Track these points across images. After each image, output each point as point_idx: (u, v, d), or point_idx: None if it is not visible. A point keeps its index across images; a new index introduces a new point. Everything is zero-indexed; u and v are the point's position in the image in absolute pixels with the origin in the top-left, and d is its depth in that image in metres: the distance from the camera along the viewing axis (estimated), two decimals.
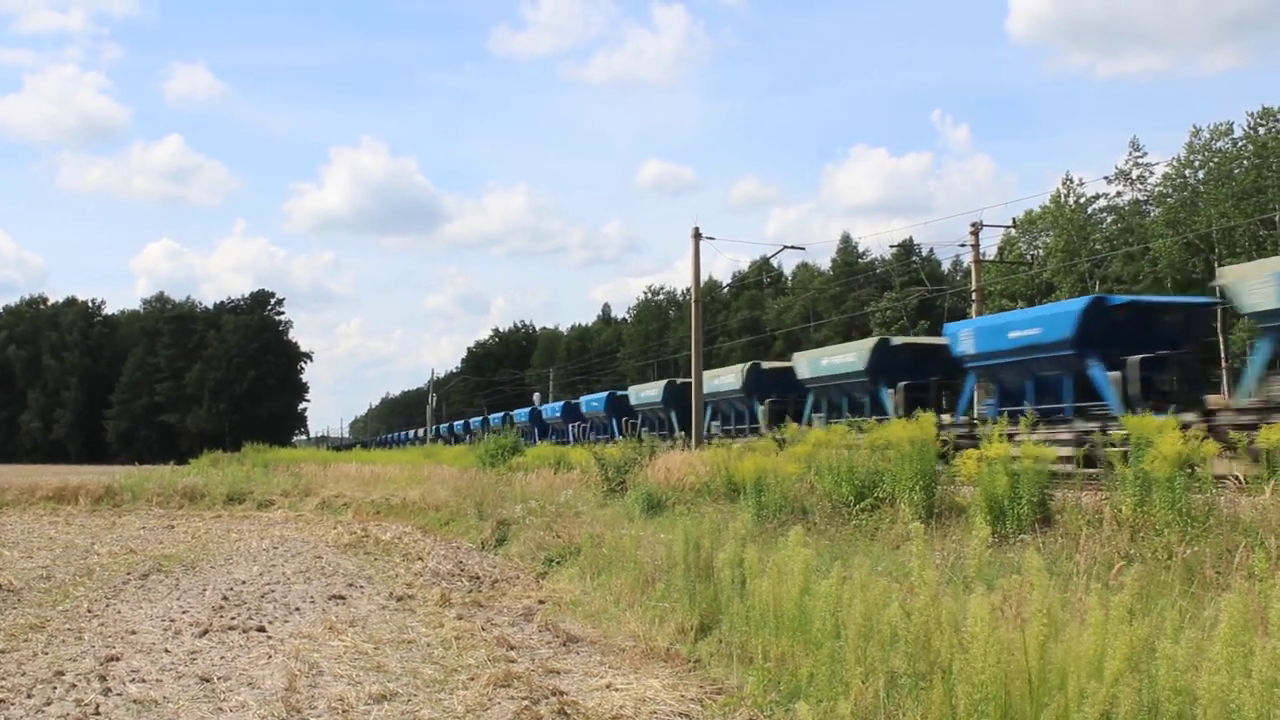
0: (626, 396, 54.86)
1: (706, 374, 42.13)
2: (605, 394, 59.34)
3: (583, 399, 62.10)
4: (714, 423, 42.85)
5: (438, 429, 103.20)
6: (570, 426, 60.94)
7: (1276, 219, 55.13)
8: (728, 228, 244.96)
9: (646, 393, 52.07)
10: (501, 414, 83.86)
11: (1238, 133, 59.88)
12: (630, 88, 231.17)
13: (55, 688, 10.04)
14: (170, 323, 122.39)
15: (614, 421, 54.87)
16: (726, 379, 42.91)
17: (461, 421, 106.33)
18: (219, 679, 10.32)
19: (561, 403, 71.33)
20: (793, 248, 43.94)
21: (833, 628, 8.34)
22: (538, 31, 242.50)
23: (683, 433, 41.26)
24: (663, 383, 50.45)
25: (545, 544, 19.70)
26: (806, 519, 15.28)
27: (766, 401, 38.27)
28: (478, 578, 18.09)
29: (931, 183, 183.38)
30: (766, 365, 42.68)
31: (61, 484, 39.81)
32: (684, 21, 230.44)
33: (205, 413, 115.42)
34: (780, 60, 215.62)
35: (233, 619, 14.01)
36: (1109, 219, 68.39)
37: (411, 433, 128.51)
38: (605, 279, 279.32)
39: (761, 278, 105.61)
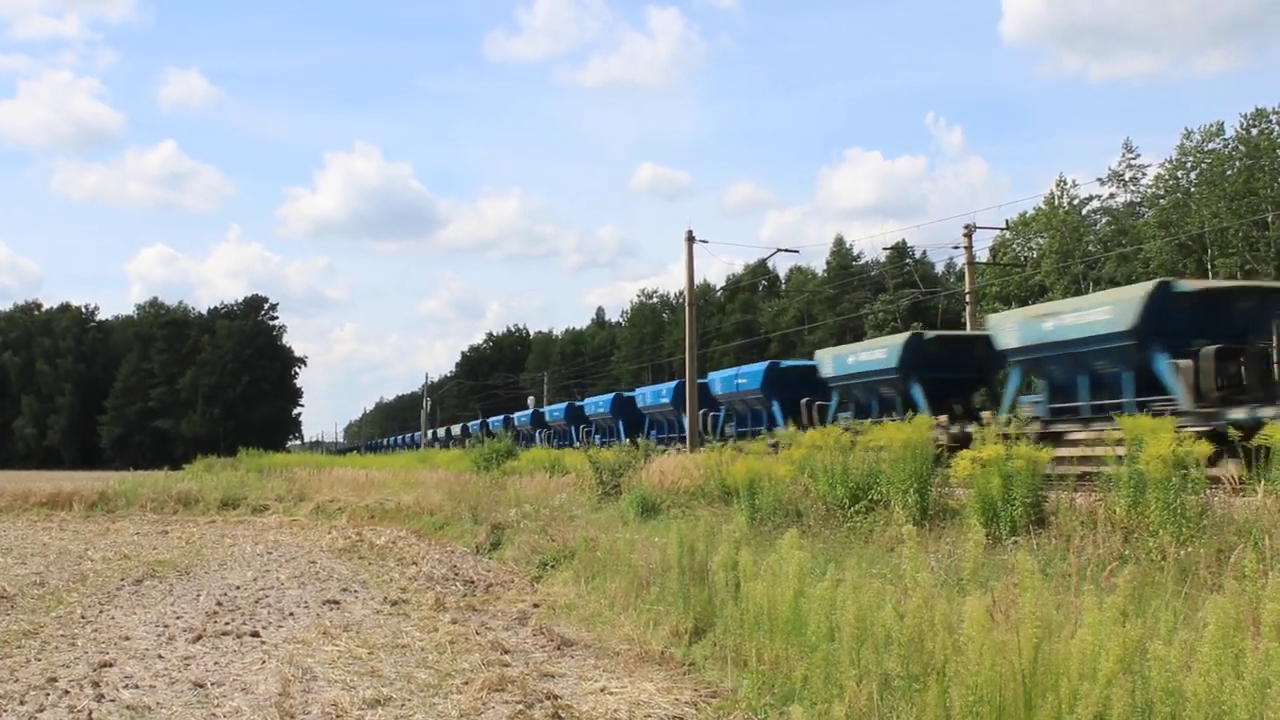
0: (708, 385, 41.40)
1: (642, 390, 48.28)
2: (674, 383, 46.18)
3: (639, 391, 49.81)
4: (653, 432, 46.74)
5: (432, 433, 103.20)
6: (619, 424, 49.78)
7: (1269, 219, 55.25)
8: (723, 231, 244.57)
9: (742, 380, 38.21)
10: (478, 421, 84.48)
11: (1229, 133, 60.01)
12: (625, 91, 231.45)
13: (48, 694, 10.02)
14: (164, 328, 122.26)
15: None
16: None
17: (445, 428, 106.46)
18: (212, 685, 10.31)
19: (530, 411, 71.80)
20: (786, 250, 44.50)
21: (827, 630, 8.34)
22: (532, 36, 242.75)
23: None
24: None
25: (540, 548, 19.70)
26: (801, 521, 15.27)
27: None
28: (472, 582, 18.08)
29: (926, 185, 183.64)
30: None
31: (55, 490, 39.72)
32: (679, 25, 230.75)
33: (199, 418, 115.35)
34: (775, 63, 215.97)
35: (227, 624, 13.99)
36: (1103, 220, 68.49)
37: (408, 436, 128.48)
38: (600, 283, 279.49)
39: (757, 281, 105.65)
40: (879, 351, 27.35)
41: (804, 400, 30.87)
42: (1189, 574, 9.29)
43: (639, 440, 35.53)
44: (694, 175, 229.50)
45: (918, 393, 25.16)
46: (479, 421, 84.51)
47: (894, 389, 26.41)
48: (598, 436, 52.95)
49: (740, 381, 38.50)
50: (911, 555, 7.41)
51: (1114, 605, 6.02)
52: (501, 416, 79.12)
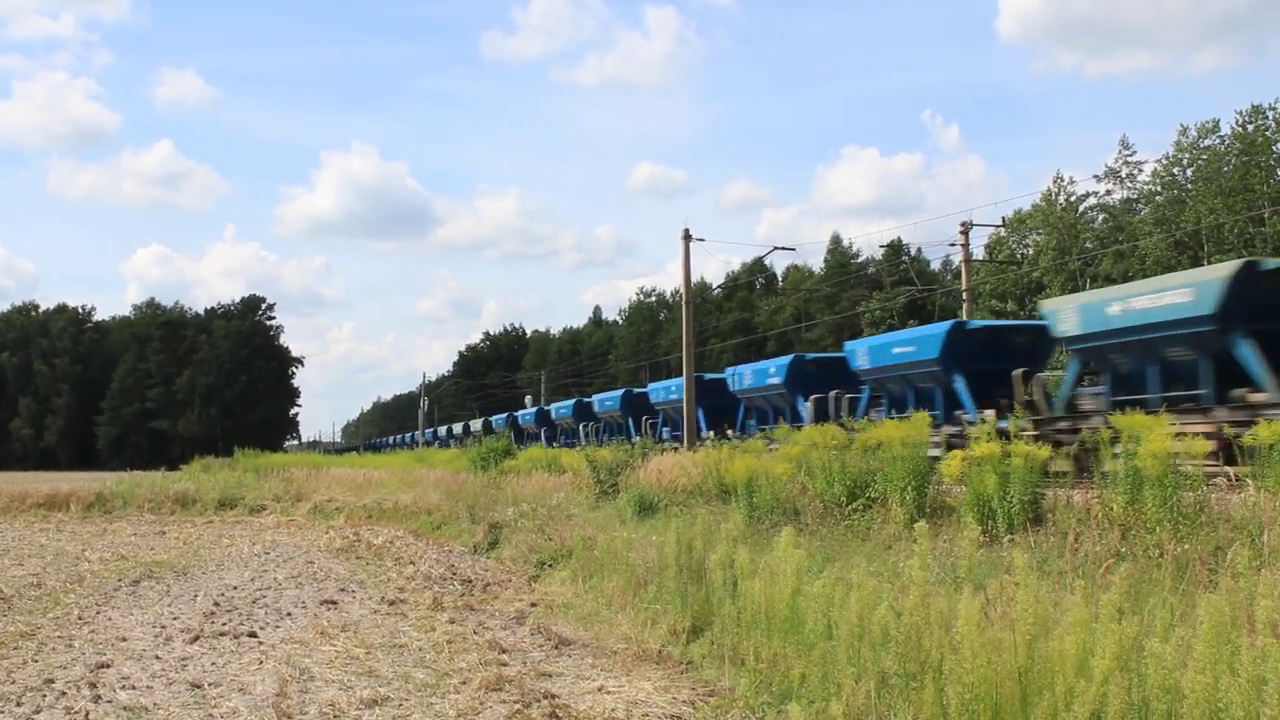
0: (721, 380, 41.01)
1: (738, 369, 41.77)
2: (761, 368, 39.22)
3: (734, 370, 40.04)
4: (752, 421, 41.98)
5: (433, 432, 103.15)
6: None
7: (1265, 215, 55.27)
8: (720, 229, 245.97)
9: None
10: (502, 415, 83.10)
11: (1225, 130, 60.04)
12: (622, 90, 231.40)
13: (45, 695, 10.01)
14: (161, 328, 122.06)
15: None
16: (761, 376, 46.42)
17: (460, 425, 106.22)
18: (210, 685, 10.30)
19: (571, 401, 70.00)
20: (783, 249, 44.43)
21: (824, 628, 8.35)
22: (528, 35, 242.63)
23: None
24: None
25: (537, 547, 19.70)
26: (798, 519, 15.28)
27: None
28: (470, 581, 18.08)
29: (923, 183, 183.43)
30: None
31: (52, 491, 39.63)
32: (675, 24, 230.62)
33: (196, 418, 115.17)
34: (772, 61, 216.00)
35: (224, 625, 13.98)
36: (1100, 217, 68.51)
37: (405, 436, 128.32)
38: (597, 281, 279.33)
39: (754, 279, 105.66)
40: (1177, 293, 18.40)
41: (1019, 372, 21.90)
42: (1186, 571, 9.29)
43: (648, 435, 34.98)
44: (691, 174, 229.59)
45: (1250, 353, 16.99)
46: (504, 415, 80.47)
47: (1200, 349, 18.00)
48: (666, 430, 45.91)
49: (903, 351, 28.11)
50: (921, 553, 7.39)
51: (1110, 602, 6.02)
52: (533, 409, 74.37)
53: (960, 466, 13.22)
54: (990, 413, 19.64)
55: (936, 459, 15.27)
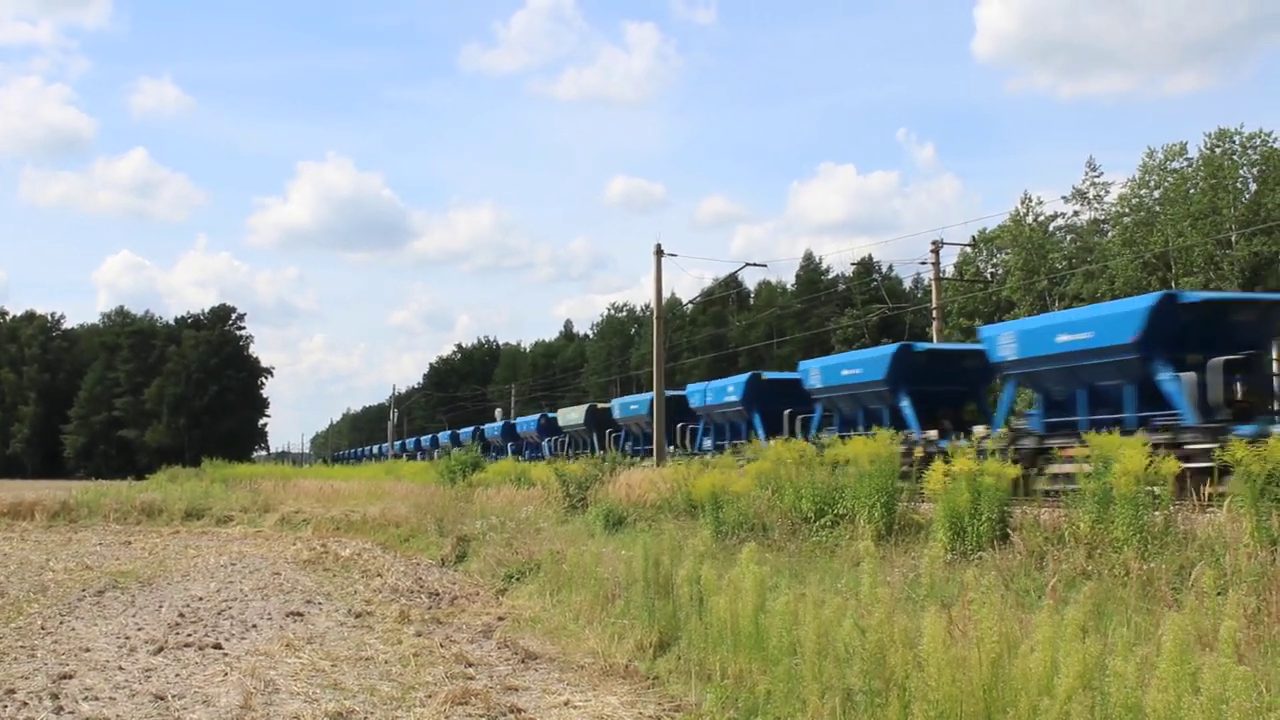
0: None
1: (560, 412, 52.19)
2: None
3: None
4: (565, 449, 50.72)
5: (402, 444, 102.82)
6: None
7: (1233, 238, 55.80)
8: (695, 245, 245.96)
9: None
10: (426, 437, 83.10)
11: (1192, 152, 60.57)
12: (600, 104, 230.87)
13: (6, 706, 9.92)
14: (130, 337, 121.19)
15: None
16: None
17: (414, 439, 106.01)
18: (173, 697, 10.23)
19: (448, 432, 69.66)
20: (754, 265, 44.96)
21: (789, 645, 8.36)
22: (508, 49, 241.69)
23: None
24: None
25: (505, 560, 19.66)
26: (766, 536, 15.30)
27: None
28: (437, 594, 18.03)
29: (898, 200, 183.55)
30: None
31: (17, 499, 39.32)
32: (655, 39, 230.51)
33: (164, 428, 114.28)
34: (750, 77, 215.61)
35: (189, 636, 13.89)
36: (1069, 238, 68.98)
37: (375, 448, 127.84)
38: (571, 295, 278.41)
39: (728, 295, 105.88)
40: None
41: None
42: (1151, 590, 9.35)
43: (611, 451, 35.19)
44: (667, 188, 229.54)
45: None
46: (448, 433, 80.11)
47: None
48: (572, 449, 49.13)
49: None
50: (870, 572, 7.44)
51: (1074, 621, 6.06)
52: (470, 429, 73.45)
53: (941, 481, 13.24)
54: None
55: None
